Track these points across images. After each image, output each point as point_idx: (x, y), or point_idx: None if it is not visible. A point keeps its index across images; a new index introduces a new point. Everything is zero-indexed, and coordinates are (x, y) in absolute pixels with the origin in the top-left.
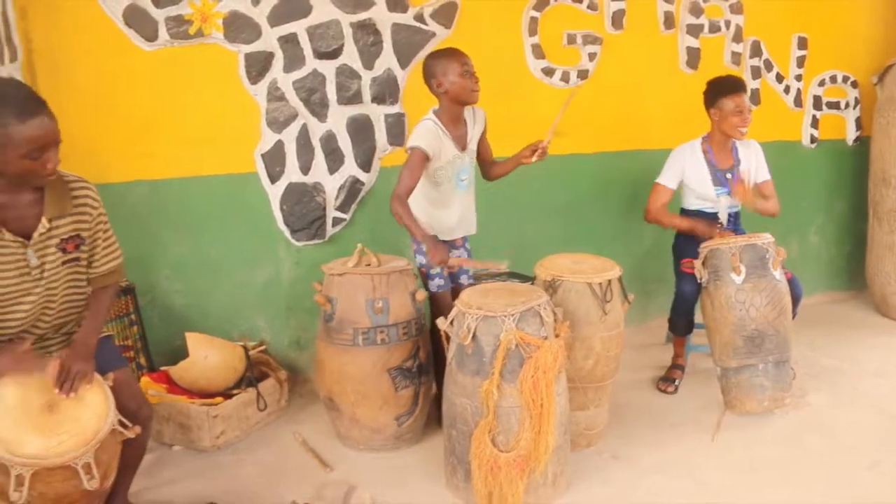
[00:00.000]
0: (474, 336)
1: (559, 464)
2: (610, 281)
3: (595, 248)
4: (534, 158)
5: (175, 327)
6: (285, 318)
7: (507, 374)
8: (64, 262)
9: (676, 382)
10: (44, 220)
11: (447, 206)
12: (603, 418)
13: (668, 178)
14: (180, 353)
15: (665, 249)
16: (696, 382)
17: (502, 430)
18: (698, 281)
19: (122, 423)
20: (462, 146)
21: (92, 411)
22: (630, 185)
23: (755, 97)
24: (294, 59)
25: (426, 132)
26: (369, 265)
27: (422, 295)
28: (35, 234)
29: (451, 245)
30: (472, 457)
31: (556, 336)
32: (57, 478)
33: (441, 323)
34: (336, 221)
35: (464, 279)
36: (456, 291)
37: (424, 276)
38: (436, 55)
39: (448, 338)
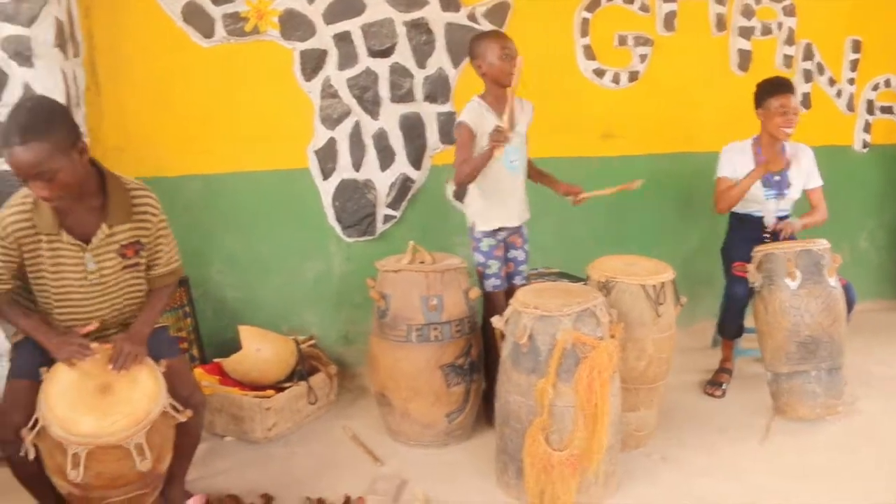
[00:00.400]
0: (530, 335)
1: (610, 464)
2: (664, 283)
3: (642, 250)
4: (568, 198)
5: (226, 320)
6: (334, 313)
7: (563, 374)
8: (124, 268)
9: (724, 386)
10: (104, 226)
11: (498, 190)
12: (652, 420)
13: (726, 171)
14: (231, 346)
15: (712, 252)
16: (743, 387)
17: (556, 429)
18: (750, 285)
19: (174, 407)
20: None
21: (143, 393)
22: (678, 187)
23: (806, 101)
24: (348, 57)
25: (469, 110)
26: (423, 262)
27: (475, 293)
28: (94, 240)
29: (509, 242)
30: (526, 455)
31: (612, 337)
32: (111, 457)
33: (497, 321)
34: (387, 218)
35: (518, 280)
36: (510, 291)
37: (480, 276)
38: (479, 36)
39: (503, 336)
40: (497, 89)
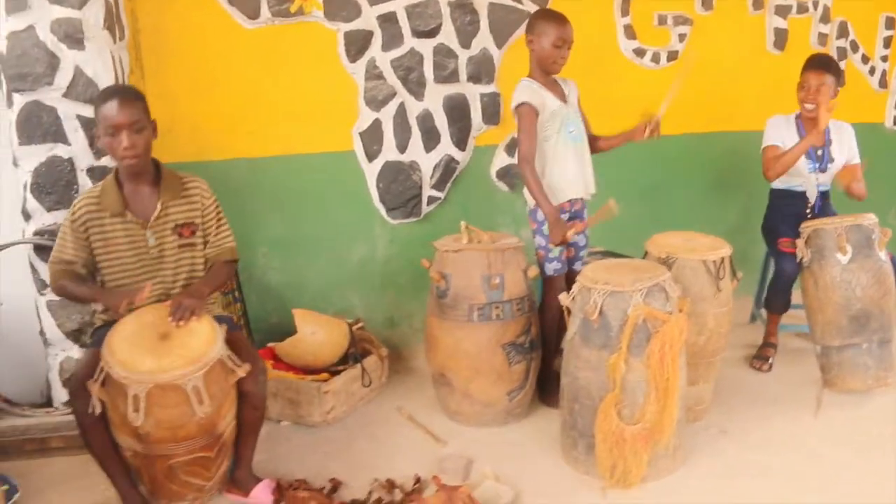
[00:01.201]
0: (601, 311)
1: (678, 436)
2: (723, 258)
3: (679, 228)
4: (646, 135)
5: (271, 304)
6: (379, 295)
7: (634, 349)
8: (180, 246)
9: (770, 360)
10: (158, 203)
11: (560, 161)
12: (709, 394)
13: (774, 139)
14: (276, 330)
15: (748, 230)
16: (787, 361)
17: (628, 404)
18: (798, 260)
19: (232, 361)
20: (562, 98)
21: (200, 340)
22: (714, 166)
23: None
24: (392, 38)
25: (524, 88)
26: (480, 242)
27: (534, 271)
28: (152, 218)
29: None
30: (597, 430)
31: (679, 311)
32: (170, 401)
33: (564, 298)
34: (431, 200)
35: (578, 265)
36: (570, 275)
37: (541, 259)
38: (541, 15)
39: (570, 313)
40: (543, 73)
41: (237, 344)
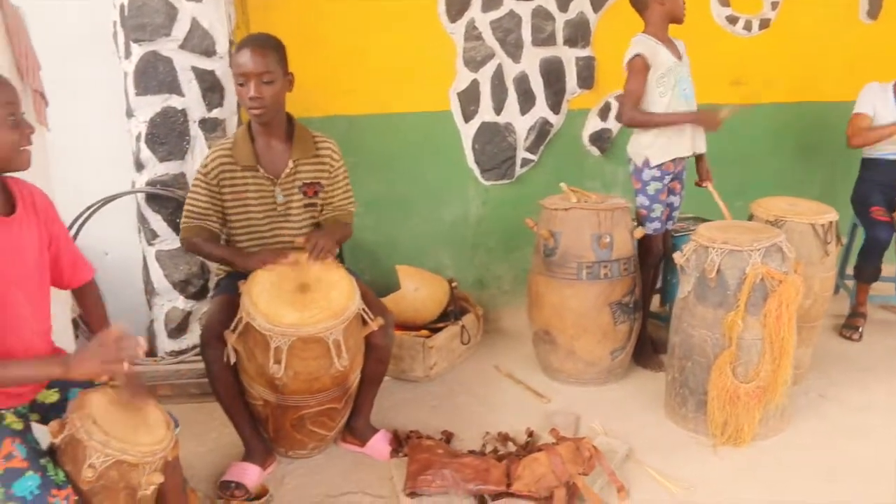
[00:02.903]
0: (719, 269)
1: (786, 397)
2: (831, 222)
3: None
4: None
5: (365, 262)
6: (470, 256)
7: (751, 307)
8: (305, 206)
9: (860, 329)
10: (290, 162)
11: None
12: (808, 358)
13: (866, 107)
14: (370, 287)
15: (832, 200)
16: (874, 331)
17: (742, 362)
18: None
19: (366, 314)
20: (678, 56)
21: (340, 292)
22: (800, 136)
23: None
24: (492, 0)
25: (640, 42)
26: (587, 201)
27: (640, 232)
28: (282, 175)
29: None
30: (711, 387)
31: (794, 272)
32: (310, 353)
33: (678, 257)
34: (524, 162)
35: (670, 224)
36: (666, 235)
37: (643, 218)
38: None
39: (683, 271)
40: (663, 25)
41: (366, 297)
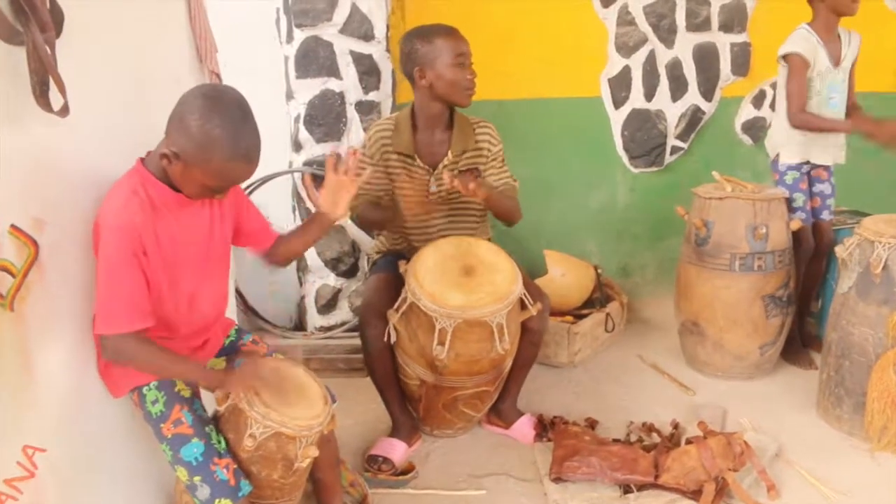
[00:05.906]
0: (885, 265)
1: None
2: None
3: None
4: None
5: (509, 247)
6: (615, 243)
7: None
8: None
9: None
10: (449, 153)
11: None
12: None
13: None
14: None
15: None
16: None
17: None
18: None
19: (526, 298)
20: (836, 61)
21: (504, 276)
22: None
23: None
24: None
25: (801, 38)
26: (742, 191)
27: (796, 224)
28: (440, 166)
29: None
30: (871, 388)
31: None
32: (473, 336)
33: (841, 250)
34: (674, 150)
35: (825, 215)
36: (815, 228)
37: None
38: None
39: (846, 265)
40: (831, 17)
41: (524, 281)
